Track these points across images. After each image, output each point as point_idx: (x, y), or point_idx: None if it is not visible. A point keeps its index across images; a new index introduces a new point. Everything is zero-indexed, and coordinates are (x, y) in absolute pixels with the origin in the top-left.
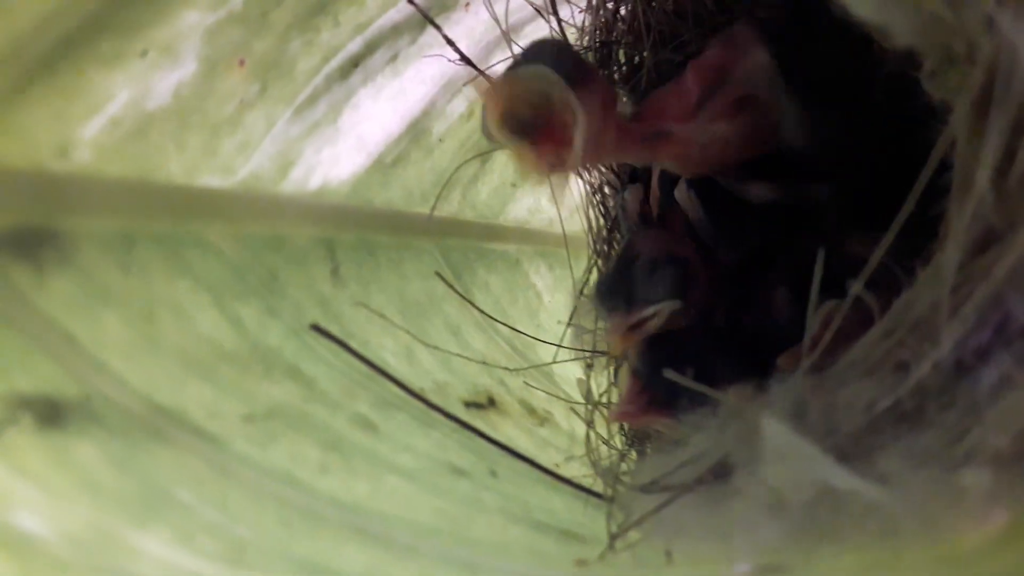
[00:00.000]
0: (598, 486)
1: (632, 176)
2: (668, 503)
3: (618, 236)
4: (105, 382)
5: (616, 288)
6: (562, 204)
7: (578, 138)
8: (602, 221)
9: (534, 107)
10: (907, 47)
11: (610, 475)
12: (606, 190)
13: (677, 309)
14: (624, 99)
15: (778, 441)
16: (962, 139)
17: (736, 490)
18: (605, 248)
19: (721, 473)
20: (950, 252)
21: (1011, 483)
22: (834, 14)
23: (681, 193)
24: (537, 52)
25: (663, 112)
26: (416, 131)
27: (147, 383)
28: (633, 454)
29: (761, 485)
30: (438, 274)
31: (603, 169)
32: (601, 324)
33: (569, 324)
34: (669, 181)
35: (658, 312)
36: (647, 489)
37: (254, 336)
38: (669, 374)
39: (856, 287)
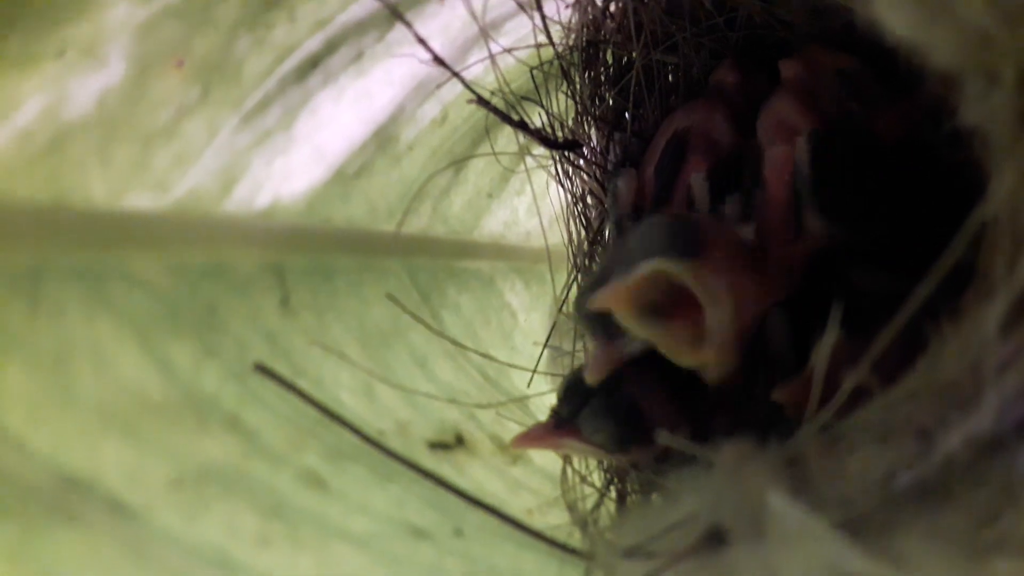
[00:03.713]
0: (575, 536)
1: (623, 160)
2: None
3: (600, 248)
4: (2, 451)
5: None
6: (543, 215)
7: (711, 324)
8: (584, 233)
9: (661, 291)
10: (945, 69)
11: (587, 527)
12: (588, 200)
13: None
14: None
15: (786, 520)
16: (1010, 179)
17: (732, 565)
18: (587, 262)
19: (714, 541)
20: (994, 310)
21: None
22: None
23: (698, 183)
24: (647, 241)
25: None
26: (382, 138)
27: (54, 447)
28: (613, 493)
29: (763, 564)
30: (390, 296)
31: (585, 176)
32: (580, 346)
33: (546, 346)
34: (669, 168)
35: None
36: (630, 553)
37: (187, 382)
38: (663, 437)
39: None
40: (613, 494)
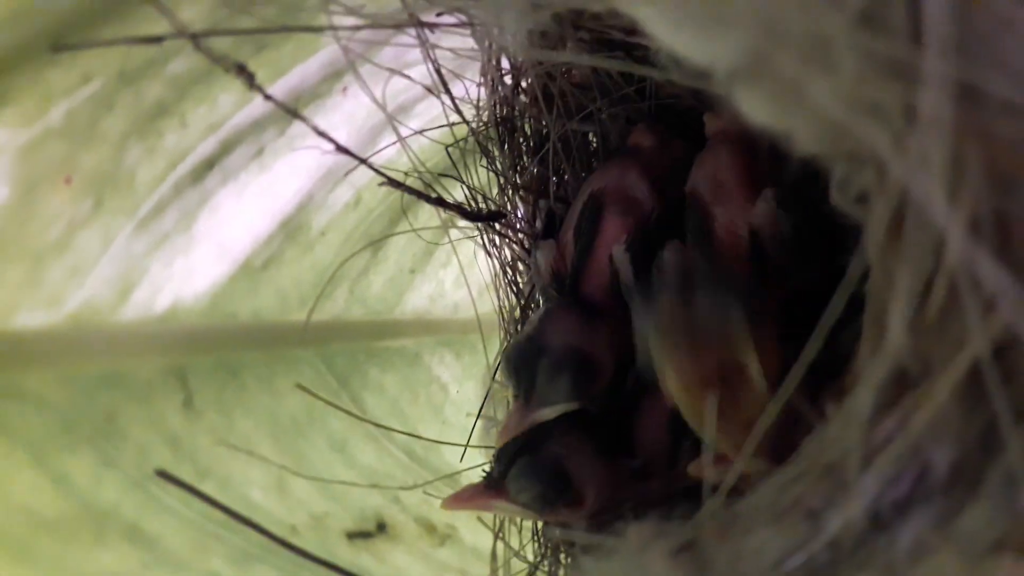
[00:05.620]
0: None
1: (545, 228)
2: None
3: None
4: None
5: (521, 371)
6: (472, 284)
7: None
8: (515, 300)
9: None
10: (809, 154)
11: None
12: (519, 266)
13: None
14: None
15: None
16: (875, 264)
17: None
18: (520, 329)
19: None
20: (862, 397)
21: None
22: None
23: (619, 255)
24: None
25: None
26: (291, 227)
27: None
28: (546, 566)
29: None
30: (299, 386)
31: (515, 246)
32: None
33: (479, 416)
34: (587, 230)
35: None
36: None
37: (84, 494)
38: (558, 533)
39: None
40: (546, 568)
